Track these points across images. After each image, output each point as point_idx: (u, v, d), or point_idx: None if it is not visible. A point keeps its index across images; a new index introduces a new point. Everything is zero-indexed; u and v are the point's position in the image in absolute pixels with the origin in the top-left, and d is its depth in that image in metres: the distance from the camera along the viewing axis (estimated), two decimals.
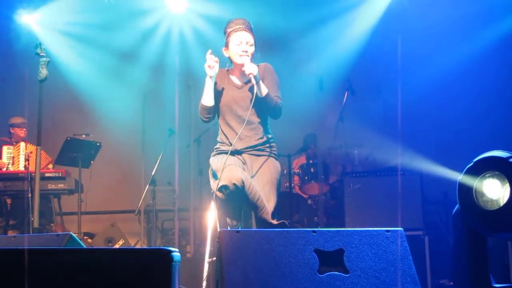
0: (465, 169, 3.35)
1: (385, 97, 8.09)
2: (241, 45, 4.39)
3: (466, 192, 3.29)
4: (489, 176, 3.22)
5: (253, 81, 4.26)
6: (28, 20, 8.62)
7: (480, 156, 3.31)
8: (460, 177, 3.36)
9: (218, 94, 4.47)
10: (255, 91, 4.26)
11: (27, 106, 8.73)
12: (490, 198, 3.20)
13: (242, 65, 4.34)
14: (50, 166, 7.66)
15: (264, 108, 4.39)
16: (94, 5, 8.41)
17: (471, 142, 7.29)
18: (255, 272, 2.96)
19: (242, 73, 4.41)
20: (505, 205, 3.09)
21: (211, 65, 4.31)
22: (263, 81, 4.37)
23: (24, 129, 7.97)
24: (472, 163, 3.33)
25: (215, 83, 4.45)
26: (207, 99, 4.41)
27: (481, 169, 3.25)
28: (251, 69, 4.26)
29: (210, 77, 4.36)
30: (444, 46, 7.82)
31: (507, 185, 3.10)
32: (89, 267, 2.32)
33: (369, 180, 6.78)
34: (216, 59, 4.33)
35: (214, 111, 4.49)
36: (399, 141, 7.47)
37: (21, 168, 7.52)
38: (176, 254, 2.34)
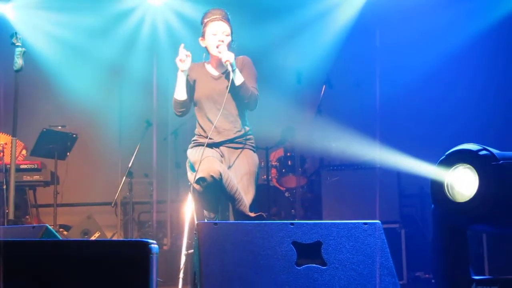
0: (438, 162, 3.39)
1: (363, 91, 8.12)
2: (217, 35, 4.38)
3: (438, 185, 3.34)
4: (460, 169, 3.26)
5: (229, 68, 4.25)
6: (3, 9, 8.50)
7: (453, 149, 3.35)
8: (432, 169, 3.40)
9: (194, 86, 4.46)
10: (231, 78, 4.25)
11: (2, 96, 8.63)
12: (460, 190, 3.25)
13: (219, 56, 4.33)
14: (24, 151, 7.53)
15: (239, 98, 4.38)
16: None
17: (449, 136, 7.34)
18: (233, 264, 2.95)
19: (219, 64, 4.41)
20: (473, 197, 3.13)
21: (182, 59, 4.30)
22: (241, 73, 4.36)
23: None
24: (444, 156, 3.37)
25: (191, 76, 4.44)
26: (180, 93, 4.40)
27: (452, 161, 3.30)
28: (228, 56, 4.26)
29: (182, 71, 4.35)
30: (423, 41, 7.86)
31: (477, 177, 3.14)
32: (66, 259, 2.30)
33: (346, 173, 6.81)
34: (188, 53, 4.33)
35: (188, 105, 4.48)
36: (376, 135, 7.51)
37: None
38: (154, 246, 2.32)
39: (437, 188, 3.35)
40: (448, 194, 3.29)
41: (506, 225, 3.31)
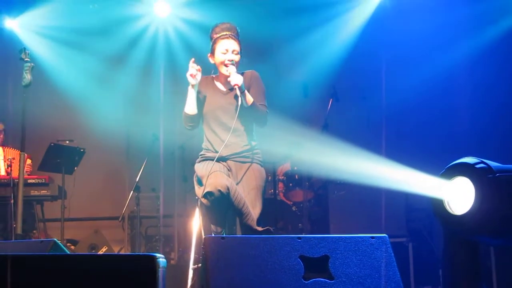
0: (439, 175, 3.42)
1: (370, 104, 8.12)
2: (227, 53, 4.39)
3: (438, 198, 3.36)
4: (458, 182, 3.29)
5: (238, 92, 4.25)
6: (12, 25, 8.57)
7: (453, 162, 3.38)
8: (433, 183, 3.43)
9: (203, 101, 4.47)
10: (239, 101, 4.26)
11: (11, 111, 8.68)
12: (459, 203, 3.26)
13: (228, 75, 4.34)
14: (29, 161, 7.54)
15: (249, 117, 4.40)
16: (79, 9, 8.36)
17: (456, 149, 7.32)
18: (240, 278, 2.96)
19: (227, 81, 4.42)
20: (470, 210, 3.15)
21: (193, 74, 4.31)
22: (249, 89, 4.38)
23: (1, 135, 7.83)
24: (444, 169, 3.40)
25: (199, 91, 4.45)
26: (190, 108, 4.41)
27: (451, 174, 3.33)
28: (237, 80, 4.26)
29: (192, 86, 4.36)
30: (428, 53, 7.86)
31: (473, 190, 3.16)
32: (74, 273, 2.30)
33: (353, 187, 6.80)
34: (199, 67, 4.33)
35: (198, 119, 4.49)
36: (382, 148, 7.50)
37: (2, 173, 7.43)
38: (162, 260, 2.33)
39: (437, 201, 3.37)
40: (448, 207, 3.31)
41: (502, 237, 3.32)
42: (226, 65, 4.38)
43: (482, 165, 3.18)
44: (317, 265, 3.05)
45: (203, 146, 4.53)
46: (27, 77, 4.91)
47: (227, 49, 4.39)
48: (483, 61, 7.47)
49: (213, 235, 4.29)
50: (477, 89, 7.63)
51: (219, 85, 4.52)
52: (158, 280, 2.27)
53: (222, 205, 4.23)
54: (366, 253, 3.11)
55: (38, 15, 8.44)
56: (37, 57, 8.25)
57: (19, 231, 4.84)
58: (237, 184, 4.32)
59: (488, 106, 7.45)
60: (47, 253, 3.17)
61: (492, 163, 3.18)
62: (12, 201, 6.46)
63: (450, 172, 3.35)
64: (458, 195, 3.27)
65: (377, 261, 3.10)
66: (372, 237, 3.17)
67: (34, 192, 7.29)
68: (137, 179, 7.30)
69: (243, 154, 4.44)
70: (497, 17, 7.36)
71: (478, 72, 7.59)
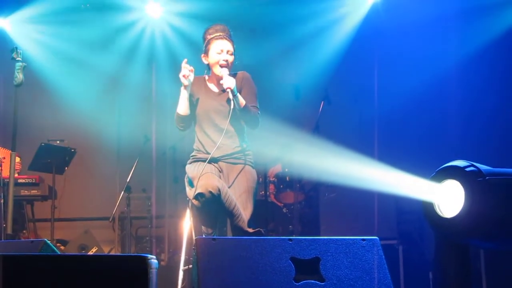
0: (429, 178, 3.43)
1: (361, 107, 8.13)
2: (221, 54, 4.40)
3: (428, 201, 3.38)
4: (448, 185, 3.31)
5: (231, 95, 4.26)
6: (3, 24, 8.53)
7: (443, 165, 3.40)
8: (423, 185, 3.44)
9: (195, 102, 4.47)
10: (232, 104, 4.26)
11: (1, 110, 8.64)
12: (448, 206, 3.28)
13: (221, 76, 4.35)
14: (18, 159, 7.48)
15: (241, 119, 4.41)
16: (71, 9, 8.32)
17: (448, 152, 7.34)
18: (231, 280, 2.96)
19: (220, 83, 4.42)
20: (459, 213, 3.17)
21: (186, 75, 4.31)
22: (240, 91, 4.39)
23: None
24: (434, 173, 3.42)
25: (192, 92, 4.45)
26: (182, 109, 4.42)
27: (442, 178, 3.34)
28: (229, 83, 4.26)
29: (185, 86, 4.36)
30: (420, 56, 7.88)
31: (463, 193, 3.18)
32: (65, 273, 2.30)
33: (344, 189, 6.81)
34: (191, 68, 4.33)
35: (190, 120, 4.50)
36: (375, 151, 7.51)
37: None
38: (154, 261, 2.33)
39: (427, 204, 3.39)
40: (438, 210, 3.33)
41: (492, 240, 3.34)
42: (221, 66, 4.38)
43: (472, 168, 3.19)
44: (308, 267, 3.06)
45: (194, 147, 4.53)
46: (19, 76, 4.88)
47: (222, 50, 4.40)
48: (475, 65, 7.50)
49: (204, 236, 4.29)
50: (469, 92, 7.65)
51: (211, 86, 4.52)
52: (150, 281, 2.27)
53: (213, 207, 4.23)
54: (357, 255, 3.12)
55: (29, 14, 8.39)
56: (29, 56, 8.21)
57: (9, 231, 4.82)
58: (229, 187, 4.32)
59: (480, 109, 7.48)
60: (39, 253, 3.16)
61: (482, 166, 3.19)
62: (2, 201, 6.42)
63: (440, 175, 3.36)
64: (448, 198, 3.28)
65: (368, 263, 3.11)
66: (363, 239, 3.18)
67: (24, 192, 7.28)
68: (128, 180, 7.28)
69: (234, 156, 4.44)
70: (489, 21, 7.40)
71: (469, 75, 7.62)
